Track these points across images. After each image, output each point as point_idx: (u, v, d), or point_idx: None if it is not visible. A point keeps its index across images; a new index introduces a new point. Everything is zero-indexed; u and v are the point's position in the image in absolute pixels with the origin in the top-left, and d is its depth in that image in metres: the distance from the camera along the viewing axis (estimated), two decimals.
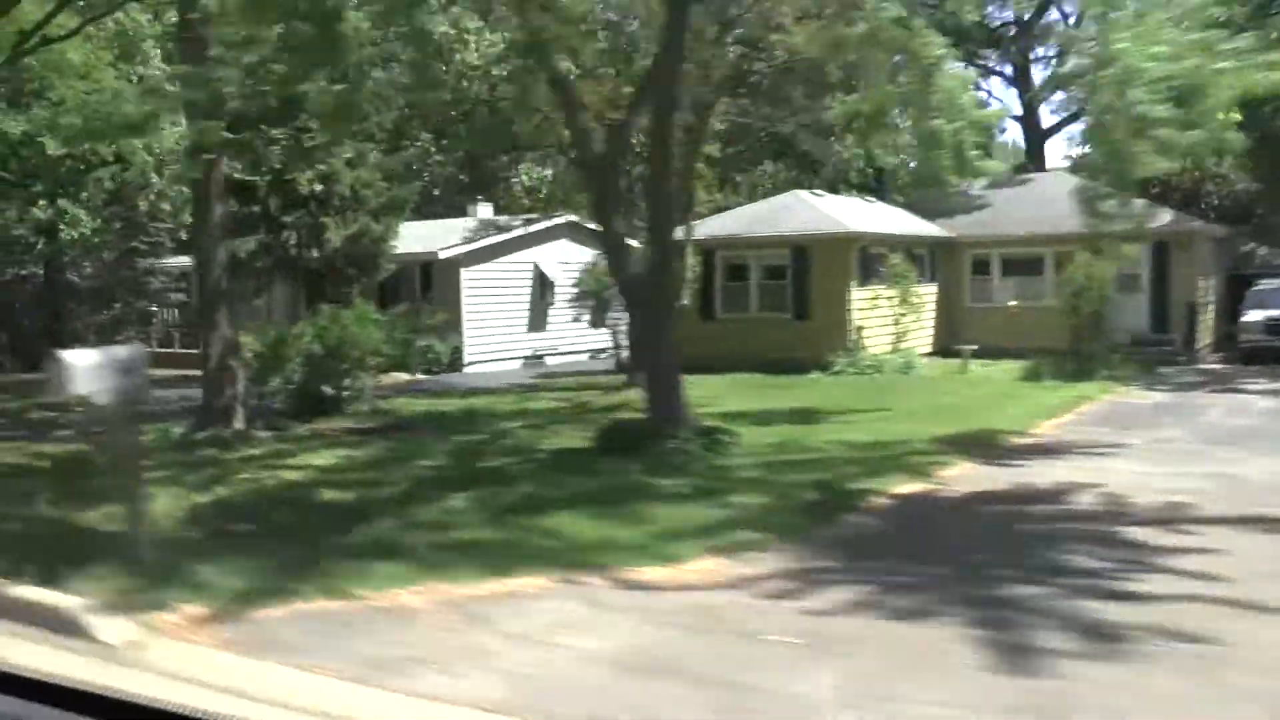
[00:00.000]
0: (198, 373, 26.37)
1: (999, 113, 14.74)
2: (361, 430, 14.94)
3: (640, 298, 11.58)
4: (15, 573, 5.84)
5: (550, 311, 27.38)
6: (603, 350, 27.97)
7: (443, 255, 24.45)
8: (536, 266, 26.82)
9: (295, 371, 16.41)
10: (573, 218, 26.94)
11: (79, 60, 25.79)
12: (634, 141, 19.05)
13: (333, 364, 16.03)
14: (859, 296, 22.27)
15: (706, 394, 17.77)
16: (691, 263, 20.30)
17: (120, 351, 5.77)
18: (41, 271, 30.87)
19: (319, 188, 21.19)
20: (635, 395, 18.69)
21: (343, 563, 6.43)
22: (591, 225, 28.05)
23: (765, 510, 8.30)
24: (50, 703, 1.83)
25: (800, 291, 22.62)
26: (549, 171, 37.73)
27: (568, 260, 27.31)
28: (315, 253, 23.46)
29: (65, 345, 30.10)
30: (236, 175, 24.12)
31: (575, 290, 24.86)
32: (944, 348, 24.67)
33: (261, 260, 22.72)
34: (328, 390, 16.17)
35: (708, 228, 22.89)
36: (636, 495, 9.03)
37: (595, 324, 27.59)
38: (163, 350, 29.33)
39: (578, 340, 27.75)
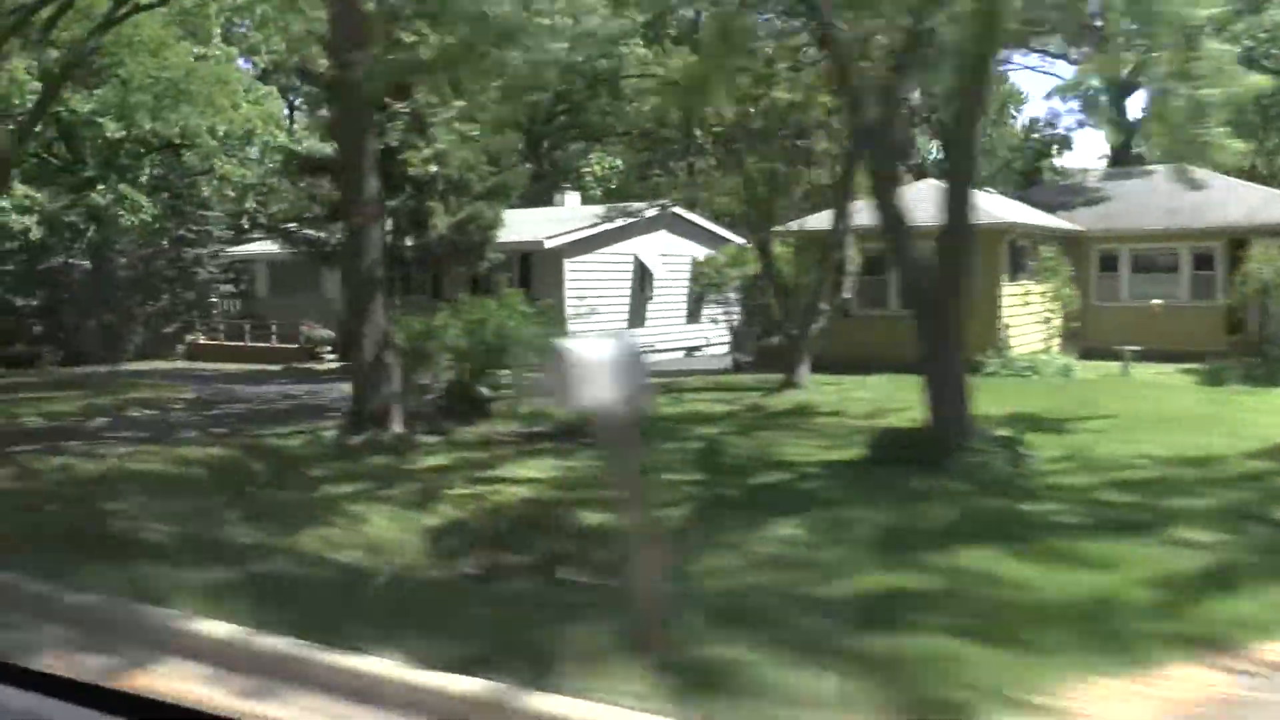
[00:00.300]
0: (275, 367, 24.88)
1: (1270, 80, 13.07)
2: (535, 435, 13.25)
3: (925, 290, 9.91)
4: (488, 664, 4.14)
5: (649, 306, 25.73)
6: (698, 347, 26.34)
7: (548, 244, 22.77)
8: (636, 258, 25.15)
9: (440, 368, 14.81)
10: (676, 209, 25.30)
11: (150, 36, 24.10)
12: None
13: (492, 360, 14.38)
14: (1009, 292, 20.65)
15: (880, 395, 16.13)
16: (851, 254, 18.62)
17: (619, 344, 4.11)
18: (88, 261, 28.92)
19: (433, 169, 19.45)
20: (803, 396, 17.05)
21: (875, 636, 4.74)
22: (687, 214, 26.59)
23: (1250, 552, 6.67)
24: (64, 698, 1.83)
25: None
26: (619, 161, 36.13)
27: (668, 253, 25.69)
28: (410, 240, 21.82)
29: (111, 337, 28.44)
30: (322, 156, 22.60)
31: (690, 284, 23.24)
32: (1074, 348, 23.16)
33: None
34: (484, 390, 14.55)
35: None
36: (1020, 525, 7.38)
37: (692, 318, 26.05)
38: (231, 343, 27.58)
39: (680, 337, 26.14)
